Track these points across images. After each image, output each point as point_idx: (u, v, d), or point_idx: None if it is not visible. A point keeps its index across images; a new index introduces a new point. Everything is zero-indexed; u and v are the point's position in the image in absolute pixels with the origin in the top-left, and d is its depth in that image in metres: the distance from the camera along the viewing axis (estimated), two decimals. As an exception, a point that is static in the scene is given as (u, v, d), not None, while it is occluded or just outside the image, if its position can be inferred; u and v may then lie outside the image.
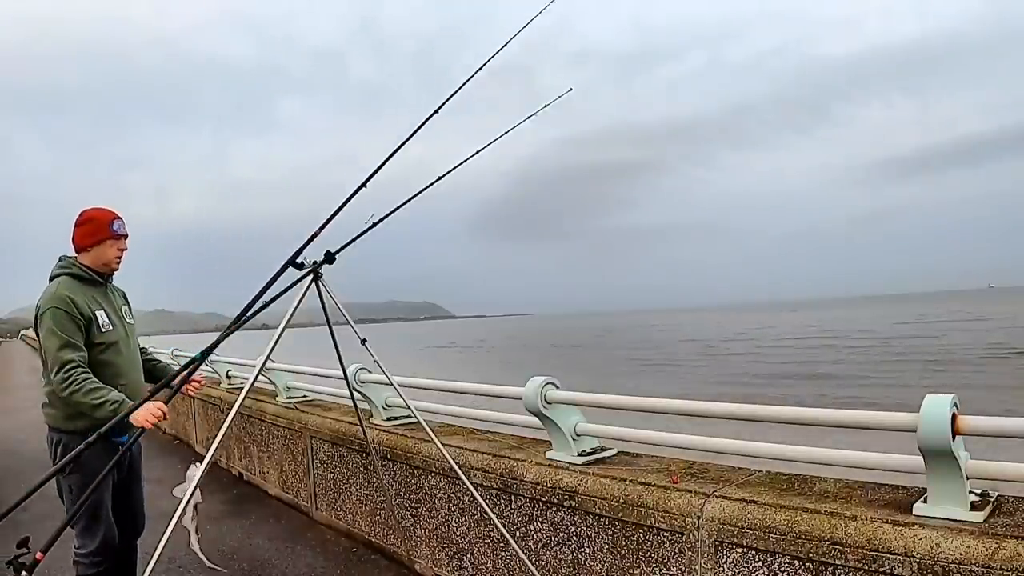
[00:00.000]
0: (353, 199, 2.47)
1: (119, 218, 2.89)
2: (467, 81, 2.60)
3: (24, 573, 1.87)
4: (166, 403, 2.54)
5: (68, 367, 2.58)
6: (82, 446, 2.21)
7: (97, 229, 2.84)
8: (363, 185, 2.46)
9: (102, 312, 2.81)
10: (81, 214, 2.87)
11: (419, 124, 2.54)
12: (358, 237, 2.56)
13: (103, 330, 2.77)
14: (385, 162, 2.48)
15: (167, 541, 1.99)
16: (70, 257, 2.87)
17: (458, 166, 2.76)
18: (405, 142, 2.55)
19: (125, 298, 3.07)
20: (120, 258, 2.92)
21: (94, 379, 2.61)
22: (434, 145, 2.63)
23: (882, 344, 36.25)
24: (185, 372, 2.47)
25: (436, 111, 2.57)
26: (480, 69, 2.63)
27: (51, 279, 2.81)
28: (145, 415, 2.46)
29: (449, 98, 2.59)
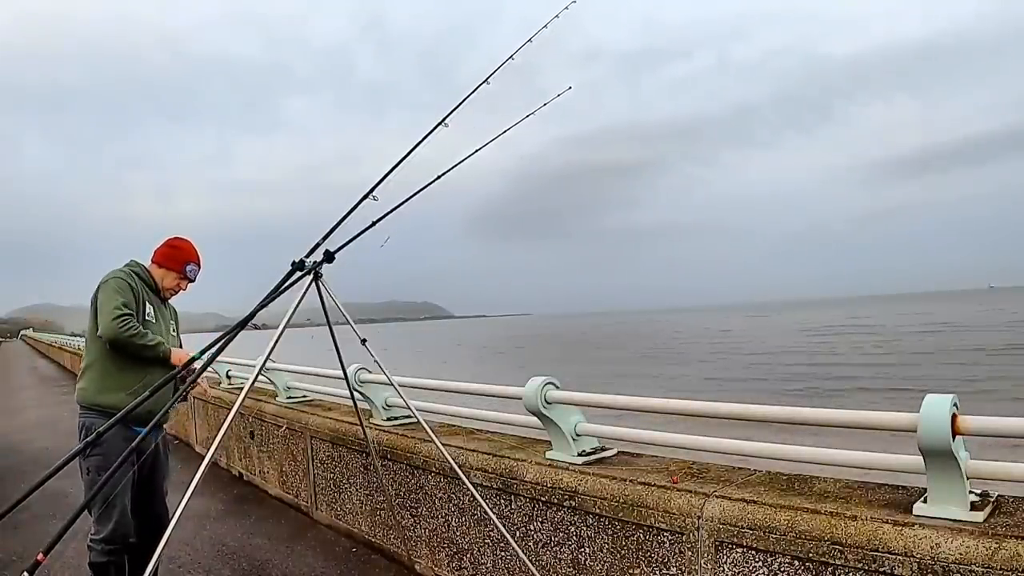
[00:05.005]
0: (352, 198, 2.49)
1: (198, 264, 3.26)
2: (473, 92, 2.63)
3: (25, 574, 1.86)
4: (184, 399, 2.81)
5: (124, 315, 2.87)
6: (102, 429, 2.30)
7: (176, 258, 3.19)
8: (369, 193, 2.48)
9: (151, 307, 3.08)
10: (174, 238, 3.25)
11: (425, 134, 2.58)
12: (357, 236, 2.57)
13: (146, 319, 3.03)
14: (392, 170, 2.51)
15: (167, 541, 1.99)
16: (140, 263, 3.17)
17: (458, 164, 2.76)
18: (412, 151, 2.57)
19: (175, 316, 3.34)
20: (174, 292, 3.24)
21: (144, 329, 2.95)
22: (433, 143, 2.64)
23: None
24: (189, 370, 2.57)
25: (443, 122, 2.59)
26: (486, 81, 2.66)
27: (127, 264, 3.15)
28: (184, 355, 2.88)
29: (455, 108, 2.62)
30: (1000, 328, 43.53)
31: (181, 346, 3.29)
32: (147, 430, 2.32)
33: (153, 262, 3.18)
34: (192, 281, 3.27)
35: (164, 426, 3.03)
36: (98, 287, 2.97)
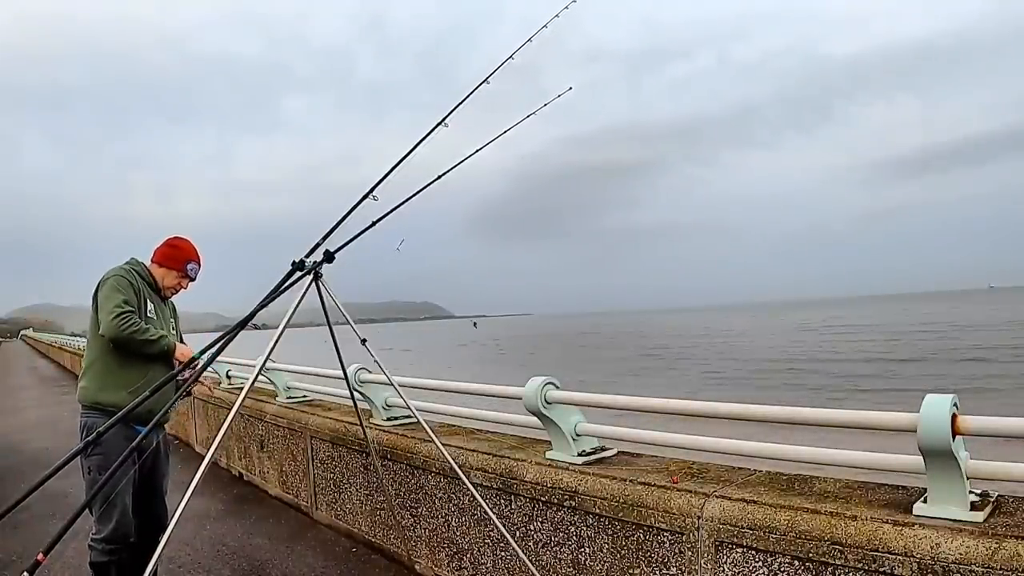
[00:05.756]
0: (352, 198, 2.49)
1: (198, 263, 3.25)
2: (473, 92, 2.64)
3: (25, 574, 1.87)
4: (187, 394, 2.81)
5: (125, 313, 2.87)
6: (102, 428, 2.30)
7: (176, 257, 3.19)
8: (369, 193, 2.48)
9: (151, 305, 3.08)
10: (174, 237, 3.25)
11: (425, 134, 2.58)
12: (357, 236, 2.57)
13: (148, 316, 3.04)
14: (392, 170, 2.51)
15: (167, 540, 1.99)
16: (141, 261, 3.17)
17: (458, 164, 2.76)
18: (412, 151, 2.57)
19: (175, 314, 3.35)
20: (175, 291, 3.24)
21: (148, 326, 2.94)
22: (433, 143, 2.64)
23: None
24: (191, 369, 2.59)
25: (443, 122, 2.60)
26: (486, 81, 2.66)
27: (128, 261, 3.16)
28: (187, 350, 2.94)
29: (455, 108, 2.61)
30: (1000, 328, 43.61)
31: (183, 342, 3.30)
32: (148, 429, 2.33)
33: (153, 262, 3.18)
34: (193, 280, 3.27)
35: (165, 425, 3.03)
36: (99, 284, 2.97)
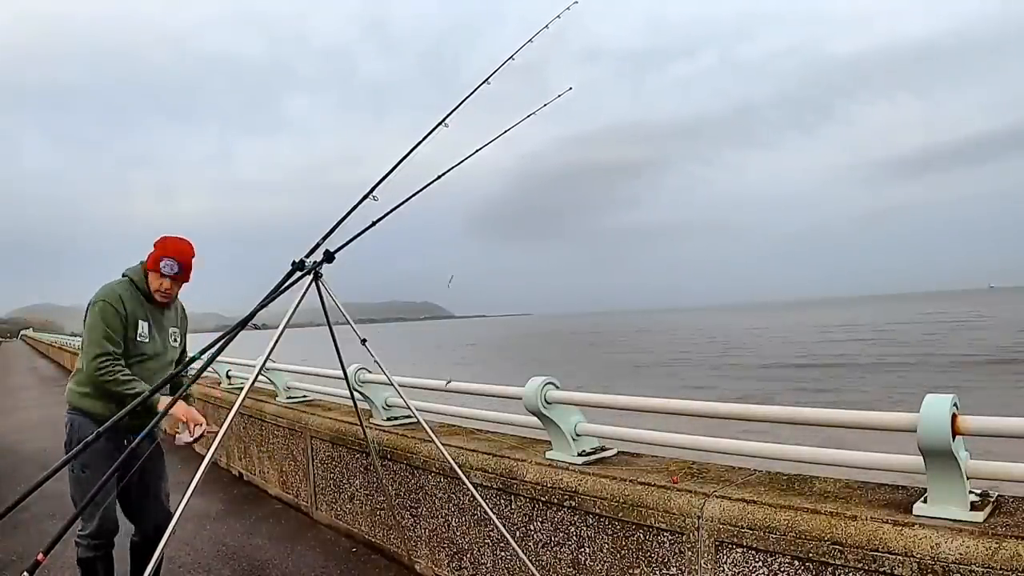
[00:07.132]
0: (353, 198, 2.49)
1: (174, 259, 2.94)
2: (473, 92, 2.63)
3: (25, 574, 1.87)
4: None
5: (104, 358, 2.78)
6: (90, 437, 2.22)
7: (154, 256, 2.95)
8: (369, 193, 2.48)
9: (145, 324, 2.95)
10: (161, 236, 2.99)
11: (425, 134, 2.58)
12: (357, 236, 2.57)
13: (137, 339, 2.93)
14: (392, 170, 2.50)
15: (167, 540, 1.99)
16: (144, 267, 2.99)
17: (459, 164, 2.76)
18: (412, 151, 2.57)
19: (181, 320, 3.20)
20: (164, 294, 2.98)
21: (127, 371, 2.83)
22: (434, 143, 2.64)
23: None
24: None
25: (443, 122, 2.59)
26: (486, 81, 2.66)
27: (122, 275, 3.00)
28: (185, 411, 2.87)
29: (455, 108, 2.61)
30: (1000, 327, 43.63)
31: (186, 349, 3.20)
32: (138, 440, 2.30)
33: (147, 266, 2.99)
34: (169, 277, 2.95)
35: (159, 428, 3.00)
36: (89, 303, 2.86)
